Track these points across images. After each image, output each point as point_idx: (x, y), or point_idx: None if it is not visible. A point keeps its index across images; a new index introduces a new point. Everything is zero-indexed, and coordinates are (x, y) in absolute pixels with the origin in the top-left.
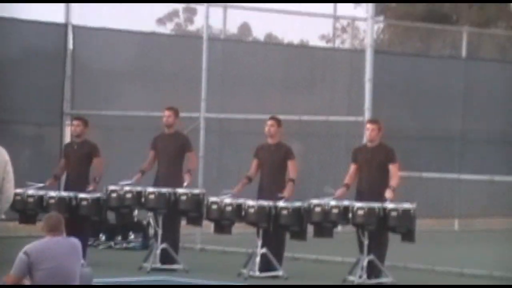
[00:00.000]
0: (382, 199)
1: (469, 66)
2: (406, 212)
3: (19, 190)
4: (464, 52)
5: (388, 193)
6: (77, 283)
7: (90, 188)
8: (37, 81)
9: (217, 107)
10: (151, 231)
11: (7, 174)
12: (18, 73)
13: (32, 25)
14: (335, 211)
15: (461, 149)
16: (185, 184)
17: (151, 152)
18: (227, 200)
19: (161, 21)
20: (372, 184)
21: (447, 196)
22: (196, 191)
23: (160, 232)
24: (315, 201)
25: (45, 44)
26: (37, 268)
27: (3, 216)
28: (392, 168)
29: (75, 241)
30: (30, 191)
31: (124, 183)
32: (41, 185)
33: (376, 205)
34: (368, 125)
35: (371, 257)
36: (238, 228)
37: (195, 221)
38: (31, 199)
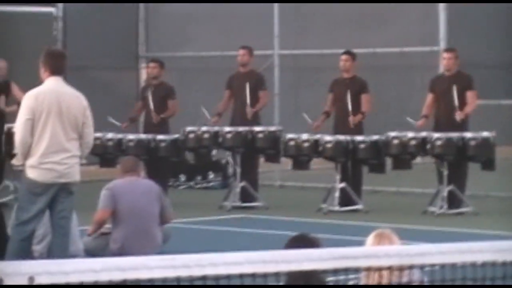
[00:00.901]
0: (461, 128)
1: None
2: (485, 140)
3: (98, 134)
4: None
5: (458, 114)
6: (154, 222)
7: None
8: (111, 26)
9: (290, 43)
10: (230, 170)
11: (86, 119)
12: (92, 18)
13: None
14: (413, 142)
15: None
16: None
17: (226, 92)
18: (304, 136)
19: None
20: (451, 113)
21: None
22: (273, 128)
23: (239, 170)
24: (392, 134)
25: None
26: (119, 201)
27: (84, 161)
28: (470, 94)
29: (150, 183)
30: (109, 135)
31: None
32: (119, 124)
33: (454, 135)
34: (445, 54)
35: (451, 187)
36: (316, 163)
37: (273, 158)
38: (110, 143)
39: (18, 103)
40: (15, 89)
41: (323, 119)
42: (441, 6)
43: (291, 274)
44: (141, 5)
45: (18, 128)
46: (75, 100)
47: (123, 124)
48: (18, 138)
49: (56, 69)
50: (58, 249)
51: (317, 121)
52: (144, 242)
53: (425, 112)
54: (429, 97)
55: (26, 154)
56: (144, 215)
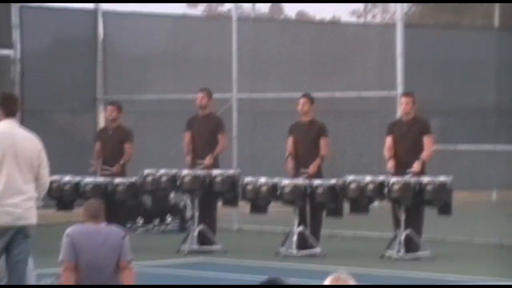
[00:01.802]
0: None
1: (502, 37)
2: (442, 185)
3: (55, 177)
4: (496, 22)
5: (415, 165)
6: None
7: (113, 169)
8: (69, 69)
9: (249, 87)
10: (188, 214)
11: (42, 161)
12: (50, 61)
13: (62, 12)
14: (370, 186)
15: (496, 121)
16: (202, 165)
17: (187, 133)
18: (262, 180)
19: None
20: (409, 157)
21: (483, 168)
22: (231, 171)
23: (197, 214)
24: (350, 177)
25: (76, 32)
26: (80, 252)
27: (41, 203)
28: (426, 140)
29: (111, 231)
30: (66, 178)
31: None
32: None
33: (411, 179)
34: (403, 99)
35: (408, 231)
36: (274, 207)
37: (231, 202)
38: (67, 186)
39: None
40: None
41: (291, 162)
42: (399, 51)
43: None
44: (99, 48)
45: None
46: (29, 142)
47: (95, 163)
48: None
49: (11, 112)
50: None
51: (289, 167)
52: None
53: (390, 154)
54: (389, 139)
55: None
56: (102, 267)
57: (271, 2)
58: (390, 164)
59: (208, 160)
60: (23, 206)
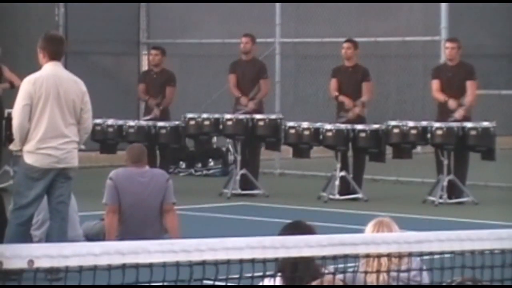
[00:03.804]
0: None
1: None
2: (485, 130)
3: (98, 120)
4: None
5: (457, 113)
6: (156, 216)
7: (152, 115)
8: (112, 12)
9: (292, 31)
10: (230, 157)
11: (85, 105)
12: (94, 5)
13: None
14: (413, 131)
15: None
16: (244, 110)
17: (232, 76)
18: (305, 124)
19: None
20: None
21: None
22: (273, 116)
23: (239, 158)
24: (393, 123)
25: None
26: (121, 195)
27: (83, 147)
28: (470, 85)
29: (155, 173)
30: (110, 121)
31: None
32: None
33: (455, 124)
34: (448, 44)
35: (452, 177)
36: (317, 152)
37: (273, 146)
38: (110, 129)
39: (10, 82)
40: (6, 71)
41: (342, 99)
42: None
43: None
44: None
45: (16, 113)
46: (73, 85)
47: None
48: (15, 123)
49: (55, 54)
50: (57, 233)
51: (349, 101)
52: (144, 236)
53: (444, 95)
54: (435, 83)
55: (24, 140)
56: (145, 209)
57: None
58: (453, 103)
59: (250, 105)
60: (65, 149)
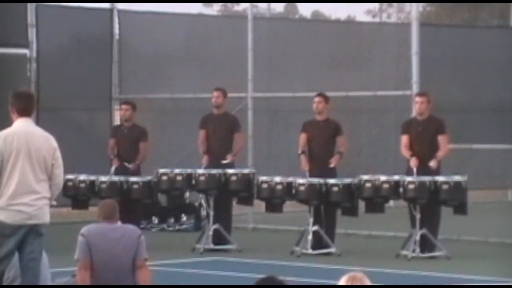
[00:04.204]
0: (433, 172)
1: None
2: (457, 184)
3: (70, 176)
4: None
5: (432, 162)
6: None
7: (130, 166)
8: (85, 68)
9: (264, 86)
10: (203, 213)
11: (56, 160)
12: (66, 61)
13: (78, 11)
14: (386, 186)
15: None
16: (224, 162)
17: (202, 131)
18: (277, 178)
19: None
20: (423, 157)
21: (499, 167)
22: (246, 170)
23: (212, 213)
24: (365, 177)
25: (92, 30)
26: (95, 250)
27: (54, 203)
28: (441, 139)
29: (127, 229)
30: (82, 177)
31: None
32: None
33: (427, 178)
34: (417, 98)
35: (424, 231)
36: (290, 206)
37: (246, 200)
38: (82, 185)
39: None
40: None
41: (305, 158)
42: (414, 50)
43: None
44: (115, 47)
45: None
46: (44, 141)
47: (114, 162)
48: None
49: (23, 111)
50: None
51: (303, 164)
52: None
53: (410, 151)
54: (405, 138)
55: None
56: (118, 265)
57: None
58: (414, 162)
59: (230, 158)
60: (36, 205)
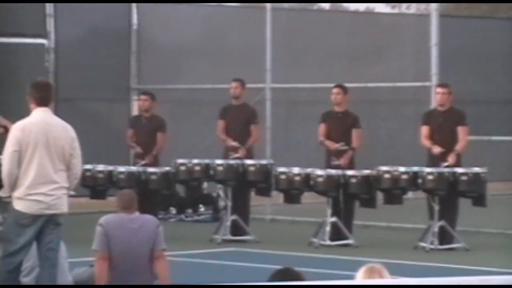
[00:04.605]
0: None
1: None
2: (476, 176)
3: (88, 166)
4: None
5: (450, 157)
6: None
7: (145, 161)
8: (103, 58)
9: (282, 77)
10: (221, 203)
11: (74, 150)
12: (84, 51)
13: (97, 2)
14: (404, 177)
15: None
16: (235, 155)
17: (221, 122)
18: (296, 170)
19: None
20: (444, 148)
21: None
22: (264, 161)
23: (230, 204)
24: (384, 168)
25: (110, 21)
26: (111, 241)
27: (73, 193)
28: (461, 130)
29: (145, 219)
30: (100, 167)
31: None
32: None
33: (446, 170)
34: (439, 89)
35: (442, 222)
36: (308, 197)
37: (264, 191)
38: (100, 175)
39: (4, 127)
40: None
41: (329, 143)
42: (434, 42)
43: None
44: (133, 37)
45: (5, 159)
46: (62, 131)
47: (137, 149)
48: (4, 169)
49: (42, 100)
50: (46, 281)
51: (332, 144)
52: (134, 282)
53: (431, 141)
54: (425, 128)
55: (13, 186)
56: (135, 255)
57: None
58: (437, 149)
59: (241, 152)
60: (54, 195)
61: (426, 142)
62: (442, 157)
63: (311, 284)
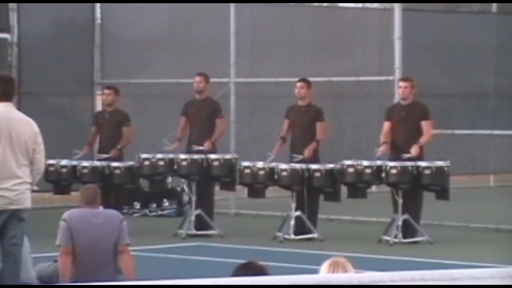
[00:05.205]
0: (415, 157)
1: (500, 20)
2: (440, 169)
3: (52, 161)
4: (494, 7)
5: (413, 149)
6: (110, 256)
7: (110, 154)
8: (67, 52)
9: (246, 71)
10: (185, 198)
11: (37, 145)
12: (47, 45)
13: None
14: (368, 171)
15: (494, 105)
16: (200, 148)
17: (182, 118)
18: (260, 164)
19: None
20: (407, 142)
21: (481, 153)
22: (228, 156)
23: (194, 198)
24: (348, 162)
25: (73, 15)
26: (75, 236)
27: (36, 188)
28: (425, 124)
29: (109, 214)
30: (63, 162)
31: (76, 153)
32: (81, 153)
33: (409, 163)
34: (401, 83)
35: (406, 216)
36: (272, 191)
37: (228, 186)
38: (64, 170)
39: None
40: None
41: (280, 144)
42: (397, 35)
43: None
44: (97, 31)
45: None
46: (25, 126)
47: (84, 149)
48: None
49: (5, 95)
50: (10, 276)
51: (275, 148)
52: (98, 277)
53: (384, 139)
54: (386, 124)
55: None
56: (99, 250)
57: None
58: (382, 148)
59: (207, 145)
60: (17, 190)
61: (381, 138)
62: (404, 149)
63: (274, 278)
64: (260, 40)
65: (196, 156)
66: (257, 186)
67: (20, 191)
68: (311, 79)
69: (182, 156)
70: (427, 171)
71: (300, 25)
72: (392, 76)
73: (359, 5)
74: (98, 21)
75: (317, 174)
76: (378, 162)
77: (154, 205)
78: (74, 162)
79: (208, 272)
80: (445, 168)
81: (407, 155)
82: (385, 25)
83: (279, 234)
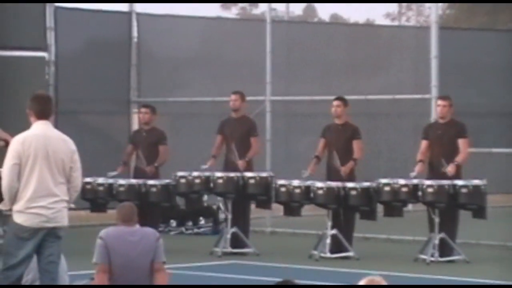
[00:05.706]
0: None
1: None
2: (476, 188)
3: (88, 179)
4: None
5: (450, 167)
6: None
7: (147, 169)
8: (103, 71)
9: (282, 90)
10: (221, 216)
11: (74, 163)
12: (84, 63)
13: (96, 14)
14: (404, 189)
15: None
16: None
17: (218, 137)
18: (296, 182)
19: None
20: (444, 160)
21: None
22: (264, 174)
23: (230, 216)
24: (384, 181)
25: (110, 34)
26: (111, 254)
27: (73, 206)
28: (461, 142)
29: (145, 232)
30: (100, 180)
31: (111, 175)
32: (116, 173)
33: (446, 182)
34: (439, 101)
35: (443, 235)
36: (308, 210)
37: (264, 204)
38: (101, 188)
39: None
40: None
41: (314, 163)
42: (433, 54)
43: None
44: (133, 50)
45: (5, 173)
46: (62, 144)
47: (118, 168)
48: (4, 183)
49: (42, 113)
50: None
51: (309, 167)
52: None
53: (421, 158)
54: (424, 143)
55: (13, 199)
56: (135, 268)
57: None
58: (417, 168)
59: (241, 164)
60: (54, 208)
61: (418, 157)
62: (438, 169)
63: None
64: (295, 58)
65: (232, 174)
66: (293, 204)
67: (57, 209)
68: (347, 97)
69: (218, 174)
70: (464, 190)
71: (335, 43)
72: (429, 95)
73: (395, 23)
74: (135, 40)
75: (353, 192)
76: (415, 181)
77: (190, 223)
78: (111, 180)
79: None
80: (482, 187)
81: (445, 170)
82: (421, 44)
83: (315, 252)
